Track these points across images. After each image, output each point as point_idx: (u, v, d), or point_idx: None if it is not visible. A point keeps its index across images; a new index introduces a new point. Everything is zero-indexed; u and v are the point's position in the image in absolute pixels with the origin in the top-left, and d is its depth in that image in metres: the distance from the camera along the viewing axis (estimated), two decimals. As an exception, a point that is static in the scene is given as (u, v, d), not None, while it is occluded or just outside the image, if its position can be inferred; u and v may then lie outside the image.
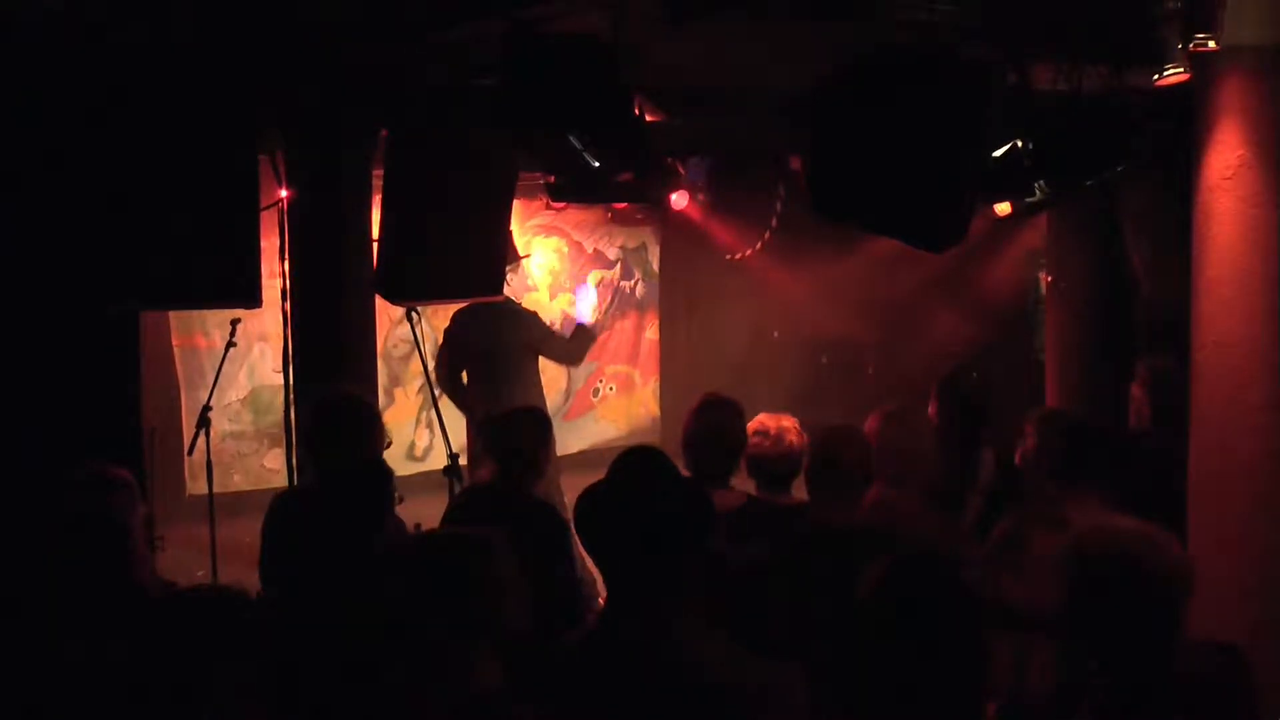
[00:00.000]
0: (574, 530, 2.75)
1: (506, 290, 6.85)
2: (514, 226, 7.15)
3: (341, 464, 4.37)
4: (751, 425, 4.66)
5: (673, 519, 2.52)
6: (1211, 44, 4.61)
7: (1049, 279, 8.60)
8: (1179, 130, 5.10)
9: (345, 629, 3.45)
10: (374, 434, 4.56)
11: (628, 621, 2.51)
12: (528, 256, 7.87)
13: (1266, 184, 4.68)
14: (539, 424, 5.00)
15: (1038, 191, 5.37)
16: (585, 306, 7.73)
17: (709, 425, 4.54)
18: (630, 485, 2.55)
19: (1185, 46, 4.67)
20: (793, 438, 4.55)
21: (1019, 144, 5.20)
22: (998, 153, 5.20)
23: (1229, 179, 4.74)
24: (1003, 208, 8.58)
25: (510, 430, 4.87)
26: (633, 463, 2.61)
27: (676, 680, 2.42)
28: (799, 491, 4.43)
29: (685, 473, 4.45)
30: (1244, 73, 4.71)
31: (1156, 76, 4.86)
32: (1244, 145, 4.71)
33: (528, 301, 11.39)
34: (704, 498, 2.64)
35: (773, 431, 4.60)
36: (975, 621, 2.46)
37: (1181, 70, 4.80)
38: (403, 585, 3.02)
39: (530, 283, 11.45)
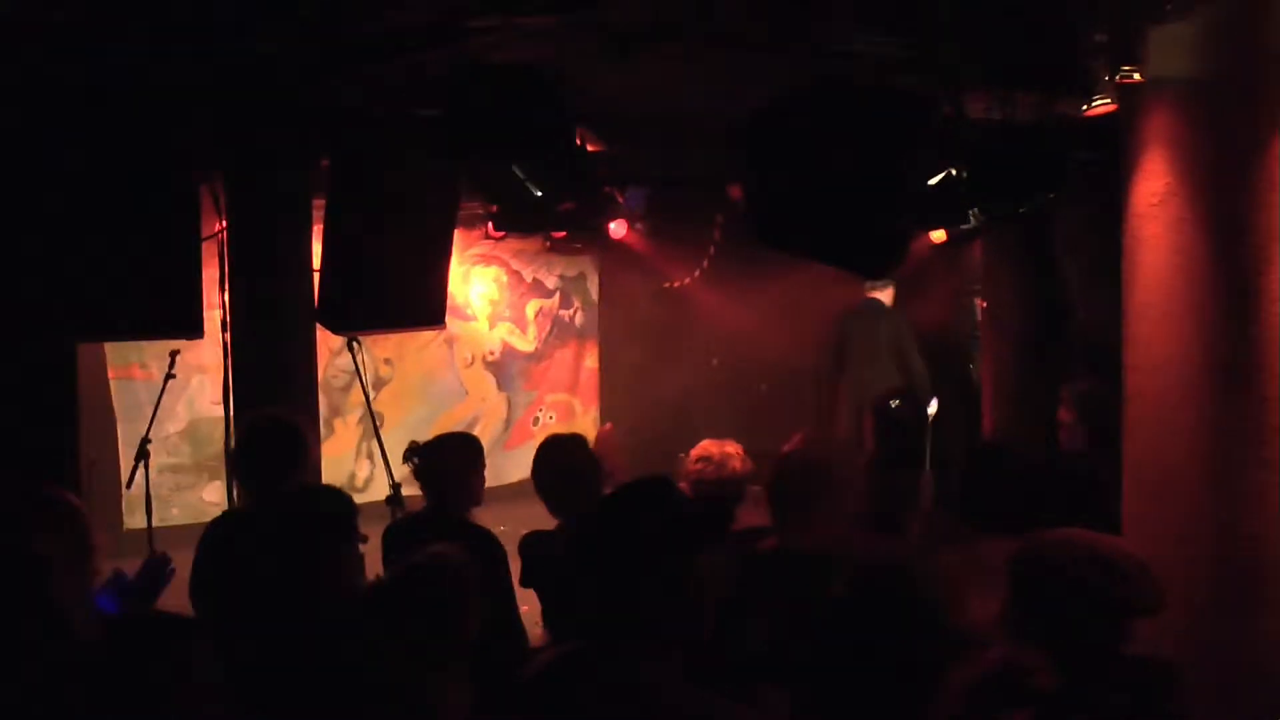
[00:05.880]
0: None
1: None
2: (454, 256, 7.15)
3: (268, 488, 4.29)
4: (695, 451, 4.66)
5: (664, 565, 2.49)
6: (1137, 76, 4.74)
7: (984, 305, 8.72)
8: (1109, 158, 5.21)
9: (301, 661, 3.41)
10: (299, 456, 4.47)
11: (599, 654, 2.47)
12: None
13: (1192, 211, 4.78)
14: (468, 447, 4.89)
15: (972, 219, 5.48)
16: None
17: (558, 469, 4.63)
18: (624, 527, 2.50)
19: (1113, 78, 4.79)
20: (736, 464, 4.56)
21: (954, 172, 5.30)
22: (933, 181, 5.30)
23: (1156, 206, 4.85)
24: (938, 235, 8.72)
25: (439, 455, 4.77)
26: (629, 501, 2.55)
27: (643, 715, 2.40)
28: (746, 518, 4.42)
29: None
30: (1169, 104, 4.82)
31: (1085, 107, 4.98)
32: (1170, 174, 4.81)
33: (466, 332, 11.39)
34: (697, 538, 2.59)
35: (716, 457, 4.60)
36: (937, 634, 2.49)
37: (1109, 101, 4.92)
38: (382, 622, 3.00)
39: (470, 312, 11.44)
